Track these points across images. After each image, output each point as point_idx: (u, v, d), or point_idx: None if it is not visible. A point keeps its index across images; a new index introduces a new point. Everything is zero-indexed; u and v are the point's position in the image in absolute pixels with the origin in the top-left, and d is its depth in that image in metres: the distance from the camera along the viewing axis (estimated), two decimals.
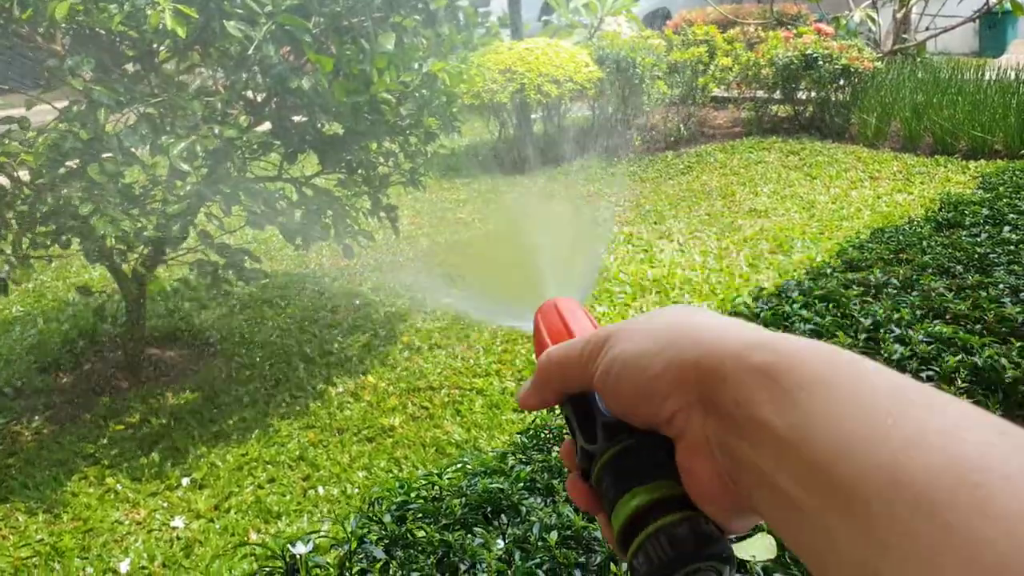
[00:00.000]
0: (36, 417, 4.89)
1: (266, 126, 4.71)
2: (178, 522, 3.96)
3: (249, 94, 4.65)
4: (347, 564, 1.77)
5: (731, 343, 0.47)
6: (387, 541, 1.84)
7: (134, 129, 4.02)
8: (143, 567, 3.67)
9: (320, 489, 4.14)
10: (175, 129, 4.05)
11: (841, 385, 0.41)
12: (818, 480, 0.38)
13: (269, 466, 4.36)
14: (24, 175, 4.15)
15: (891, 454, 0.36)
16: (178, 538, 3.86)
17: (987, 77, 9.86)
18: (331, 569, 1.76)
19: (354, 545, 1.81)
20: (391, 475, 4.18)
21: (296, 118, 4.74)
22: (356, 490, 4.11)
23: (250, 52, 3.91)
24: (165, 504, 4.10)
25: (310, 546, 1.73)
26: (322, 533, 1.84)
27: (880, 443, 0.36)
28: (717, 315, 0.54)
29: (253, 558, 3.67)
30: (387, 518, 1.89)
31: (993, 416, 0.37)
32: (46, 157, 3.83)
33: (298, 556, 1.76)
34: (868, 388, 0.40)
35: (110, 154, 3.97)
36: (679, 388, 0.49)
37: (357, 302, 6.46)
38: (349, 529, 1.84)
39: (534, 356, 0.67)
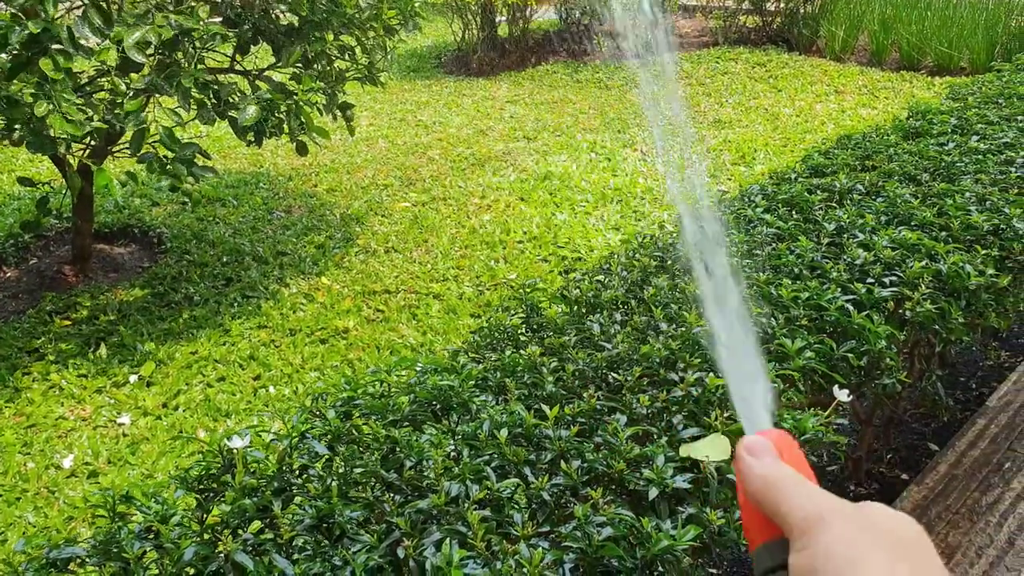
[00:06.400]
0: None
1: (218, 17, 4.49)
2: (125, 419, 3.88)
3: None
4: (287, 459, 1.71)
5: None
6: (330, 437, 1.78)
7: (85, 18, 3.81)
8: (87, 463, 3.60)
9: (271, 389, 4.07)
10: (126, 17, 3.84)
11: None
12: None
13: (219, 365, 4.28)
14: None
15: None
16: (124, 435, 3.79)
17: None
18: (270, 464, 1.70)
19: (295, 441, 1.75)
20: (344, 376, 4.13)
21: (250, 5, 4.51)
22: (307, 390, 4.05)
23: None
24: (112, 401, 4.02)
25: (247, 440, 1.67)
26: (269, 429, 1.78)
27: None
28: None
29: (200, 455, 3.61)
30: (331, 413, 1.83)
31: None
32: None
33: (235, 450, 1.70)
34: None
35: (60, 46, 3.75)
36: None
37: (313, 202, 6.31)
38: (291, 424, 1.78)
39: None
